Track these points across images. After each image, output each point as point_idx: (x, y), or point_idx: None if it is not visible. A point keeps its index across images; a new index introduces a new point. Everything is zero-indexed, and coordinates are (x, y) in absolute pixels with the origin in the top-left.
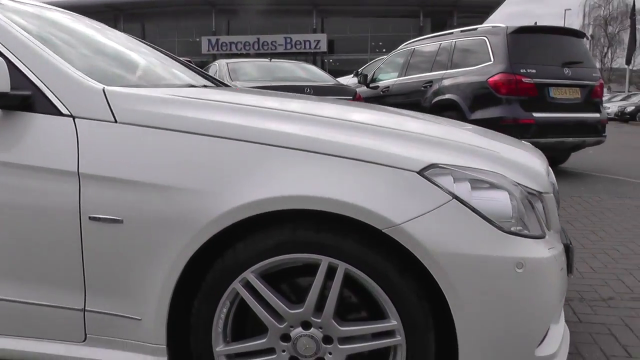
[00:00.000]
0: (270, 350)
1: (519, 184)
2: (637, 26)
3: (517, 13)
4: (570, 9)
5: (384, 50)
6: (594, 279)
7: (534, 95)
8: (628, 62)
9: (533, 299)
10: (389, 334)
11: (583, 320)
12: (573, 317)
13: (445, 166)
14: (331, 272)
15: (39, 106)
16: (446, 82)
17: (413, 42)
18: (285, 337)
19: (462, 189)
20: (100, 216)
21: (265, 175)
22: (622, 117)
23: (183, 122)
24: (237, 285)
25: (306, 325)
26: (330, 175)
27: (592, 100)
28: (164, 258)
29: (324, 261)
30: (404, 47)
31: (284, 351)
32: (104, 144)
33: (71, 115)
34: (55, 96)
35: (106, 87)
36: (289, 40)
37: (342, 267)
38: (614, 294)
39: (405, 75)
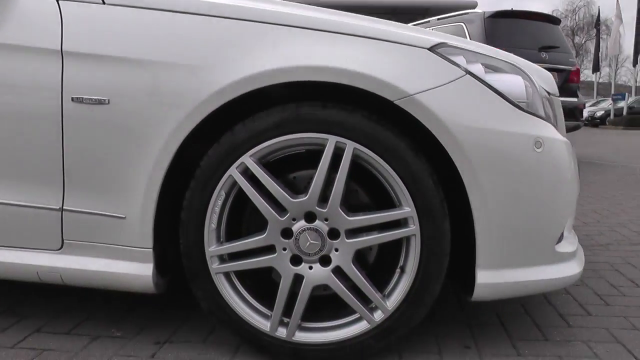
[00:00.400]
0: (269, 249)
1: (530, 77)
2: (601, 36)
3: None
4: None
5: None
6: (590, 230)
7: None
8: (595, 70)
9: (553, 183)
10: (401, 224)
11: (586, 261)
12: None
13: (456, 46)
14: (337, 160)
15: None
16: None
17: None
18: (287, 233)
19: (476, 68)
20: (84, 96)
21: (267, 49)
22: (593, 121)
23: (177, 2)
24: (234, 172)
25: (310, 217)
26: (338, 49)
27: (569, 85)
28: (154, 143)
29: (331, 140)
30: None
31: (284, 249)
32: (90, 23)
33: None
34: None
35: None
36: None
37: (350, 146)
38: (611, 241)
39: None
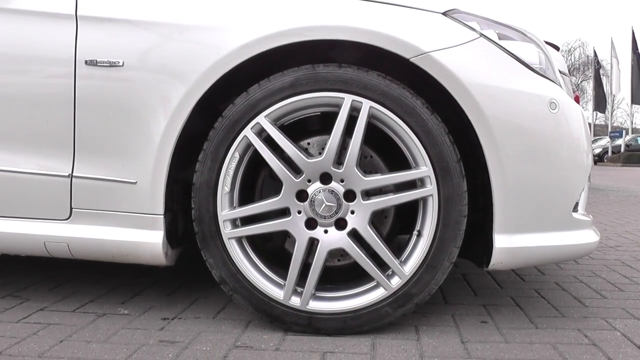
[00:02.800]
0: (283, 212)
1: (542, 46)
2: (602, 75)
3: None
4: None
5: None
6: None
7: None
8: (601, 110)
9: (568, 145)
10: (417, 186)
11: (595, 258)
12: (585, 257)
13: (468, 12)
14: (352, 123)
15: None
16: None
17: None
18: (302, 196)
19: (489, 33)
20: (98, 59)
21: (280, 9)
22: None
23: None
24: (248, 132)
25: (326, 179)
26: (353, 12)
27: None
28: (167, 105)
29: (347, 99)
30: None
31: (299, 212)
32: None
33: None
34: None
35: None
36: None
37: (366, 104)
38: (620, 244)
39: None
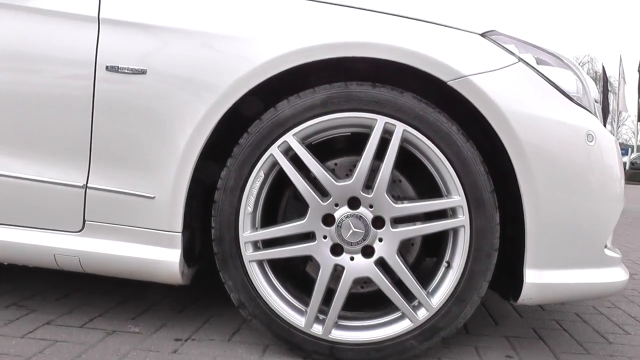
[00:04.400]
0: (308, 236)
1: (579, 73)
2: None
3: None
4: None
5: None
6: None
7: None
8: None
9: (604, 179)
10: (448, 215)
11: None
12: None
13: (506, 35)
14: (383, 145)
15: None
16: None
17: None
18: (328, 220)
19: (527, 57)
20: (120, 65)
21: (318, 22)
22: None
23: None
24: (275, 150)
25: (354, 203)
26: (391, 29)
27: None
28: (190, 117)
29: (380, 120)
30: None
31: (325, 237)
32: None
33: None
34: None
35: None
36: None
37: (400, 127)
38: (636, 272)
39: None
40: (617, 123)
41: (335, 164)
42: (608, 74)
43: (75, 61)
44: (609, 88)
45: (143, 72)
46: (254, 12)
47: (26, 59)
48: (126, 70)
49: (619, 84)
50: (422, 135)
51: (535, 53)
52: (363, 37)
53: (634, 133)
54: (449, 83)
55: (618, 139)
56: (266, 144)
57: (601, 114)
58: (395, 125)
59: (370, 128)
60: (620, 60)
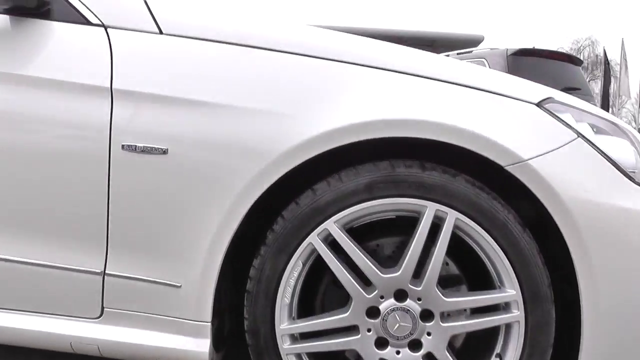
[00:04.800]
0: (351, 329)
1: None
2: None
3: None
4: None
5: None
6: None
7: None
8: (605, 109)
9: None
10: (500, 308)
11: None
12: None
13: (562, 102)
14: (433, 229)
15: (59, 14)
16: None
17: None
18: (372, 312)
19: (584, 129)
20: (138, 144)
21: (359, 97)
22: None
23: (251, 36)
24: (314, 239)
25: (400, 296)
26: (441, 101)
27: None
28: (219, 202)
29: (431, 207)
30: None
31: (369, 330)
32: (145, 57)
33: (103, 25)
34: (82, 3)
35: None
36: None
37: (451, 216)
38: None
39: None
40: (618, 107)
41: (377, 245)
42: (610, 58)
43: (88, 138)
44: (611, 72)
45: (164, 152)
46: (284, 84)
47: (30, 134)
48: (145, 150)
49: (620, 68)
50: (475, 224)
51: (589, 119)
52: (417, 114)
53: (633, 115)
54: (507, 168)
55: None
56: (305, 231)
57: None
58: (447, 214)
59: (418, 213)
60: (622, 43)
